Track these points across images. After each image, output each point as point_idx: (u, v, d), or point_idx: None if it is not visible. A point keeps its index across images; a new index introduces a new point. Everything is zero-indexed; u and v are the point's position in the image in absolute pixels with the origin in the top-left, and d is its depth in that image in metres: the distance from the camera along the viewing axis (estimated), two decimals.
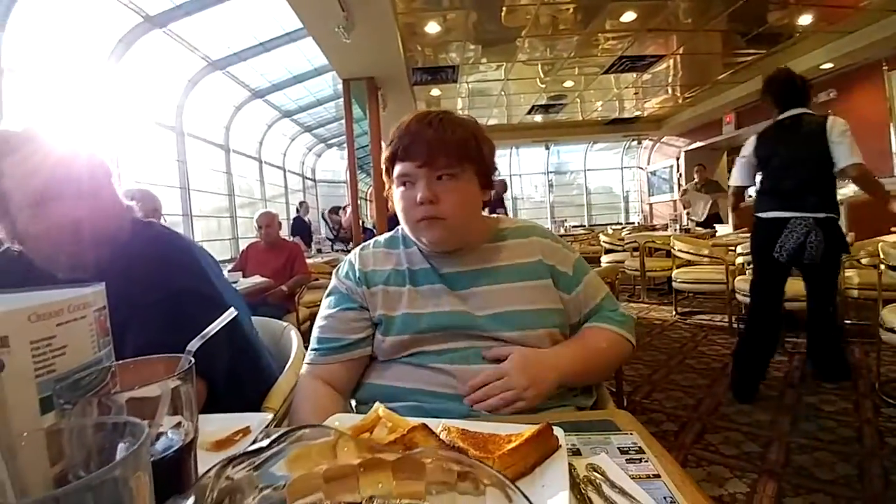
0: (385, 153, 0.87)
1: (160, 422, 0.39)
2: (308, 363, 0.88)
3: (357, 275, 0.91)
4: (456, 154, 0.82)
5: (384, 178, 0.90)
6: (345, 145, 5.57)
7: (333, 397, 0.84)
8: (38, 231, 0.75)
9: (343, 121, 5.65)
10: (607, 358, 0.87)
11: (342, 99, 5.47)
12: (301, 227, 6.96)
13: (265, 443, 0.25)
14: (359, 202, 5.90)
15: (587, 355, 0.83)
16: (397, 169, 0.84)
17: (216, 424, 0.62)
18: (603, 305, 0.91)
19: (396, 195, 0.86)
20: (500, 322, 0.83)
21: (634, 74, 6.51)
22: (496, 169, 0.92)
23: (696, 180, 6.56)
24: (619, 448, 0.54)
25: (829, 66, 5.73)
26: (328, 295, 0.93)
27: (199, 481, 0.22)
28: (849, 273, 3.10)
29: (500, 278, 0.87)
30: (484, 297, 0.85)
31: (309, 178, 10.83)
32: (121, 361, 0.42)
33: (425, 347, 0.84)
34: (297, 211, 7.56)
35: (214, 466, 0.24)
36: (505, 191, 7.17)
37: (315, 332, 0.90)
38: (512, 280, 0.86)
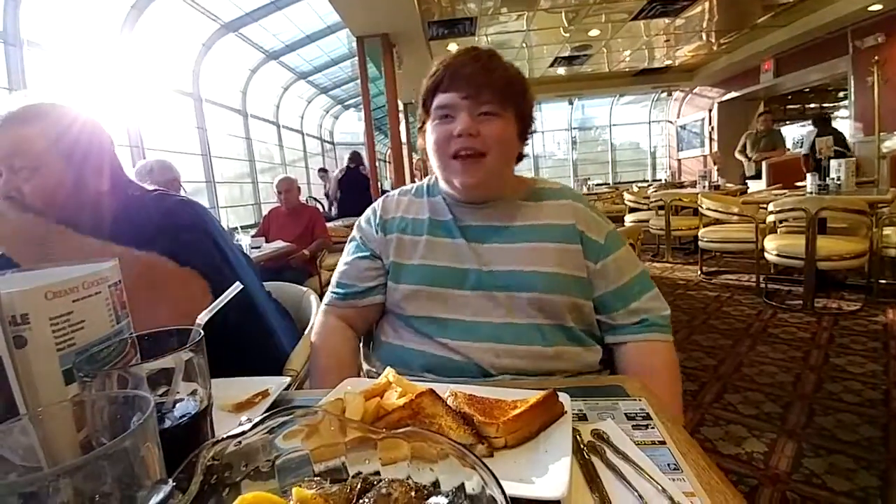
0: (425, 84, 0.83)
1: (177, 389, 0.41)
2: (326, 303, 0.91)
3: (376, 221, 0.91)
4: (501, 93, 0.78)
5: (420, 114, 0.86)
6: (362, 106, 5.46)
7: (347, 334, 0.88)
8: (42, 201, 0.77)
9: (359, 81, 5.52)
10: (672, 373, 0.79)
11: (357, 58, 5.32)
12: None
13: (247, 426, 0.27)
14: (377, 164, 5.86)
15: (660, 391, 0.68)
16: (437, 100, 0.80)
17: (237, 387, 0.66)
18: (633, 289, 0.82)
19: (430, 130, 0.82)
20: (516, 281, 0.78)
21: (666, 20, 6.07)
22: (533, 125, 0.88)
23: (760, 129, 5.95)
24: (626, 414, 0.55)
25: (877, 7, 5.20)
26: (349, 241, 0.94)
27: (180, 470, 0.23)
28: (887, 231, 2.95)
29: (525, 237, 0.82)
30: (503, 254, 0.81)
31: (327, 141, 10.79)
32: (137, 333, 0.44)
33: (437, 311, 0.80)
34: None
35: (202, 448, 0.25)
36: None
37: (334, 276, 0.92)
38: (539, 240, 0.81)
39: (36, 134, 0.77)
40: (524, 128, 0.85)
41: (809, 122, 4.50)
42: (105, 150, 0.86)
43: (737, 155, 6.24)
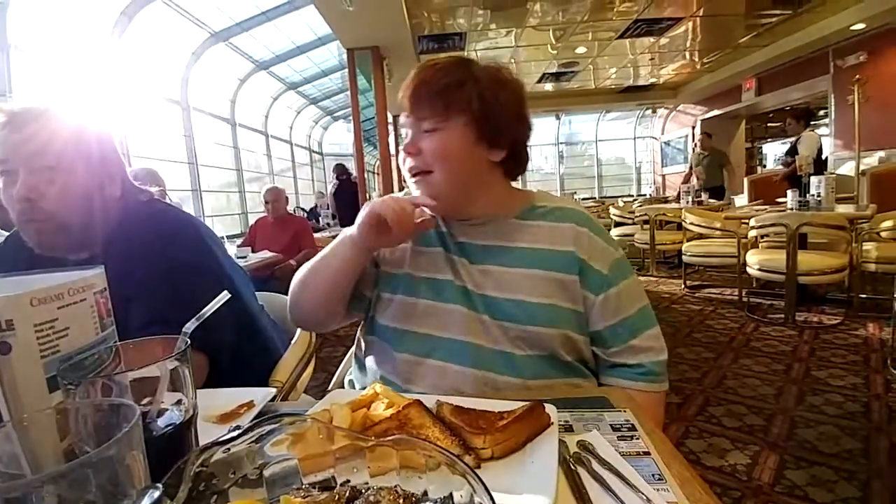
0: None
1: (161, 399, 0.40)
2: None
3: None
4: (441, 102, 0.72)
5: None
6: (351, 117, 5.49)
7: None
8: (57, 203, 0.77)
9: (349, 92, 5.55)
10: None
11: (347, 69, 5.37)
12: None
13: (235, 433, 0.26)
14: (366, 175, 5.87)
15: None
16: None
17: (222, 398, 0.65)
18: (633, 325, 0.77)
19: None
20: (512, 310, 0.73)
21: (651, 39, 6.24)
22: (522, 125, 0.79)
23: (698, 149, 6.33)
24: (611, 425, 0.55)
25: (860, 26, 5.40)
26: None
27: (168, 476, 0.23)
28: (867, 246, 3.04)
29: (517, 261, 0.76)
30: (497, 278, 0.75)
31: (316, 152, 10.77)
32: (122, 342, 0.44)
33: (426, 327, 0.76)
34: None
35: (190, 455, 0.25)
36: None
37: None
38: (531, 266, 0.75)
39: (53, 132, 0.76)
40: (493, 131, 0.75)
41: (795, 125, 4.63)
42: (119, 155, 0.86)
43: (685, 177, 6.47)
